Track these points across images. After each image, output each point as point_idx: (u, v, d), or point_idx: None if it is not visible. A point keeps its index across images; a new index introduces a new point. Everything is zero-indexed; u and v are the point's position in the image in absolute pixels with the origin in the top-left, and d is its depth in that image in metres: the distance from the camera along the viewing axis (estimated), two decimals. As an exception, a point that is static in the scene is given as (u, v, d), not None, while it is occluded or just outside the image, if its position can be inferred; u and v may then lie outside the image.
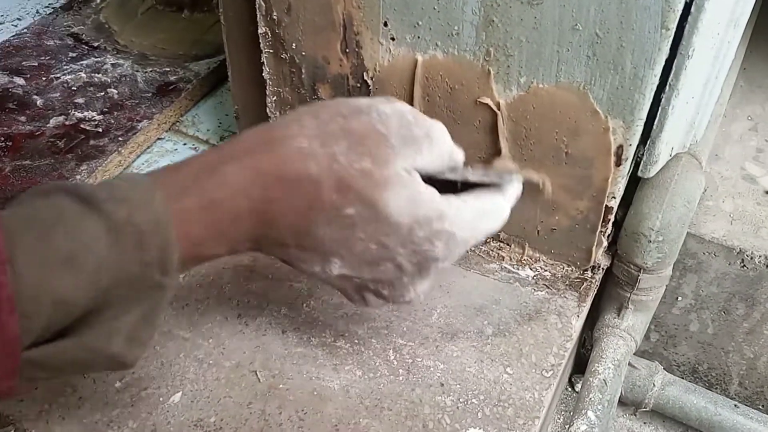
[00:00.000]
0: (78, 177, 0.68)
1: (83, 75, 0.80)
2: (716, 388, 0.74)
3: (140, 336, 0.40)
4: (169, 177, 0.41)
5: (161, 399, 0.50)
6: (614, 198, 0.55)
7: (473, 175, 0.45)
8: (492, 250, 0.61)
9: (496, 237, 0.61)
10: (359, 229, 0.40)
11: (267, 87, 0.61)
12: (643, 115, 0.50)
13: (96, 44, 0.85)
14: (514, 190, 0.47)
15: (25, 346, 0.36)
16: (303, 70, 0.58)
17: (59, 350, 0.37)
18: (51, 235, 0.36)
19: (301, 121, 0.42)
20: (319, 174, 0.40)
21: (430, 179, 0.42)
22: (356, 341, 0.54)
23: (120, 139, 0.73)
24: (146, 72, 0.81)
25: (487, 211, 0.44)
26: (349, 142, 0.40)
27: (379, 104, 0.42)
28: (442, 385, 0.51)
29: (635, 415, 0.76)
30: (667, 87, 0.49)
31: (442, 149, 0.44)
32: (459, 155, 0.45)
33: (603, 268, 0.61)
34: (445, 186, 0.43)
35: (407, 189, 0.41)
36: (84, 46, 0.85)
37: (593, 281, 0.60)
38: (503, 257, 0.61)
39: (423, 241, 0.41)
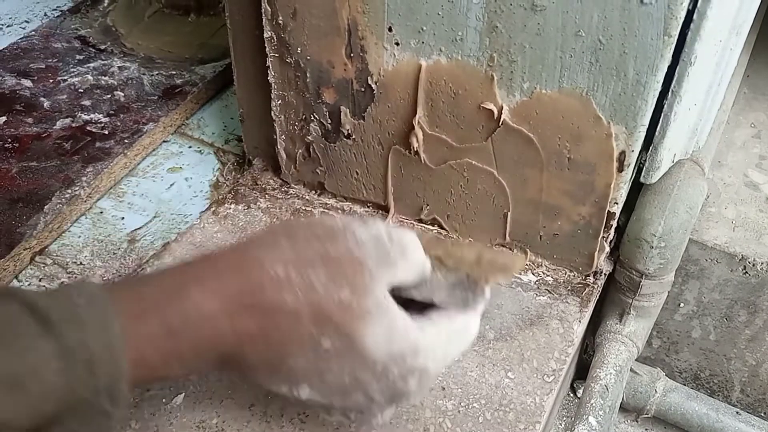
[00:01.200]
0: (84, 179, 0.69)
1: (90, 77, 0.81)
2: (718, 395, 0.74)
3: None
4: (129, 294, 0.38)
5: (164, 400, 0.50)
6: (616, 204, 0.55)
7: (439, 295, 0.44)
8: (494, 255, 0.61)
9: (500, 242, 0.61)
10: (334, 361, 0.39)
11: (272, 91, 0.61)
12: (646, 121, 0.50)
13: (103, 47, 0.86)
14: (484, 303, 0.45)
15: None
16: (308, 74, 0.59)
17: None
18: None
19: (276, 243, 0.40)
20: (296, 306, 0.38)
21: (397, 292, 0.42)
22: (358, 344, 0.54)
23: (126, 141, 0.73)
24: (152, 75, 0.82)
25: (459, 332, 0.44)
26: (327, 269, 0.39)
27: (354, 227, 0.41)
28: (444, 389, 0.51)
29: (637, 422, 0.76)
30: (670, 93, 0.50)
31: (415, 262, 0.42)
32: (428, 265, 0.43)
33: (605, 274, 0.61)
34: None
35: (384, 321, 0.39)
36: (91, 48, 0.86)
37: (595, 287, 0.60)
38: (505, 262, 0.61)
39: (397, 379, 0.40)
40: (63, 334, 0.34)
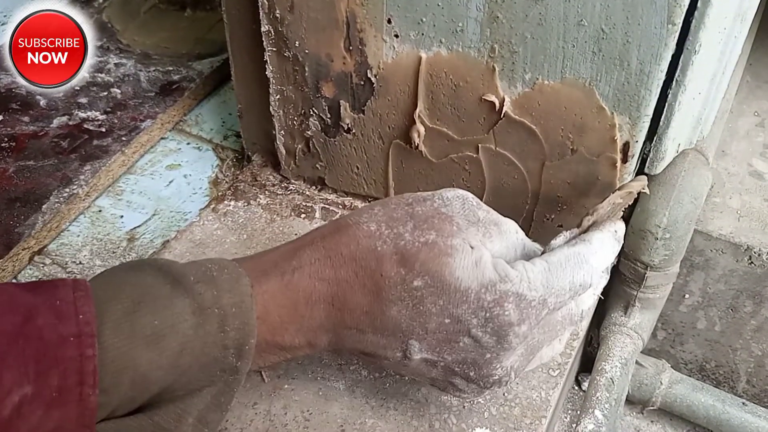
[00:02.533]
0: (81, 177, 0.68)
1: (86, 75, 0.80)
2: (724, 386, 0.74)
3: (209, 419, 0.40)
4: (252, 262, 0.43)
5: (166, 399, 0.50)
6: (621, 195, 0.54)
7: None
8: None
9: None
10: (429, 302, 0.40)
11: (270, 85, 0.61)
12: (650, 111, 0.49)
13: (99, 43, 0.85)
14: (603, 236, 0.44)
15: (99, 420, 0.37)
16: (306, 68, 0.58)
17: (130, 426, 0.38)
18: (139, 312, 0.37)
19: (371, 209, 0.43)
20: (384, 250, 0.41)
21: None
22: (361, 341, 0.54)
23: (123, 138, 0.72)
24: (149, 71, 0.81)
25: (563, 263, 0.42)
26: (414, 222, 0.41)
27: (442, 192, 0.44)
28: (448, 384, 0.51)
29: (642, 414, 0.75)
30: (674, 83, 0.49)
31: (512, 238, 0.44)
32: (527, 243, 0.44)
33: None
34: None
35: (472, 255, 0.40)
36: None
37: (600, 279, 0.59)
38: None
39: (492, 305, 0.39)
40: (198, 293, 0.38)
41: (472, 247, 0.41)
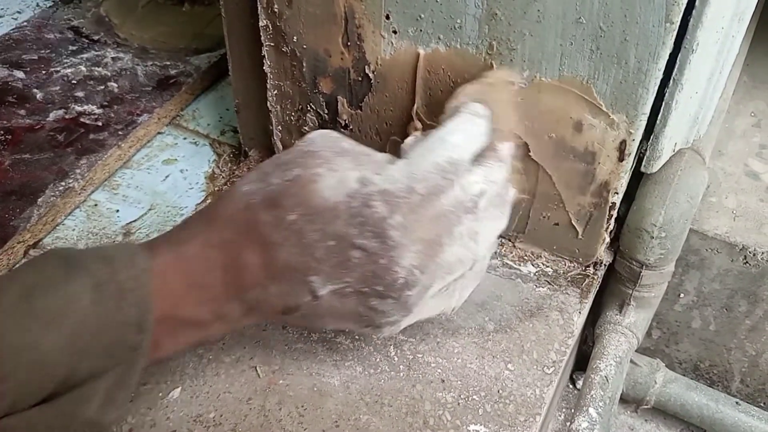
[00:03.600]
0: (77, 171, 0.68)
1: (83, 68, 0.80)
2: (718, 386, 0.74)
3: (115, 399, 0.40)
4: (148, 241, 0.43)
5: (160, 394, 0.49)
6: (617, 193, 0.54)
7: None
8: (493, 246, 0.61)
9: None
10: (308, 230, 0.40)
11: (268, 81, 0.61)
12: (647, 109, 0.49)
13: (96, 38, 0.85)
14: (458, 117, 0.45)
15: (2, 415, 0.35)
16: (304, 64, 0.58)
17: (34, 417, 0.37)
18: (33, 295, 0.37)
19: (247, 175, 0.44)
20: (256, 202, 0.42)
21: None
22: (357, 337, 0.54)
23: (120, 133, 0.72)
24: (146, 66, 0.81)
25: (422, 152, 0.43)
26: (281, 170, 0.42)
27: (307, 135, 0.45)
28: (443, 381, 0.51)
29: (637, 413, 0.76)
30: (671, 81, 0.49)
31: (384, 163, 0.43)
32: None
33: (605, 265, 0.60)
34: None
35: (336, 175, 0.41)
36: (84, 39, 0.85)
37: (595, 277, 0.59)
38: (505, 253, 0.60)
39: (362, 208, 0.40)
40: (93, 271, 0.38)
41: (336, 171, 0.41)
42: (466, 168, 0.44)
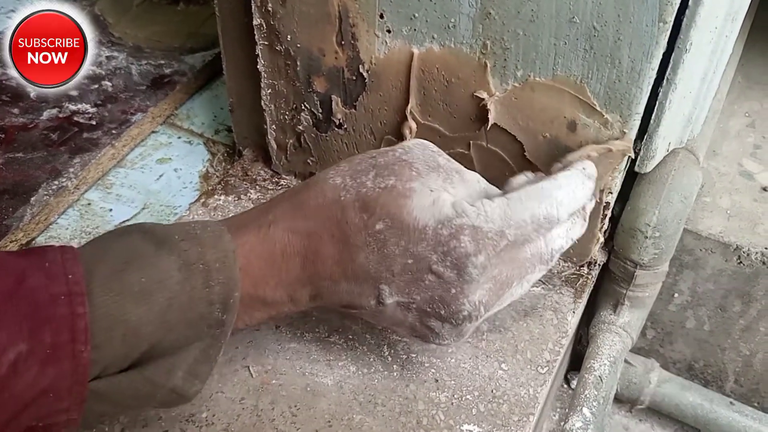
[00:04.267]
0: (71, 170, 0.68)
1: (86, 73, 0.80)
2: (712, 386, 0.74)
3: (199, 371, 0.41)
4: (232, 220, 0.45)
5: (153, 394, 0.49)
6: (611, 193, 0.54)
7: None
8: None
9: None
10: (391, 243, 0.41)
11: (262, 80, 0.60)
12: (641, 109, 0.49)
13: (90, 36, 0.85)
14: (569, 172, 0.45)
15: (92, 378, 0.37)
16: (298, 63, 0.58)
17: (122, 382, 0.39)
18: (126, 271, 0.38)
19: (338, 165, 0.45)
20: (347, 199, 0.42)
21: None
22: (350, 336, 0.53)
23: (114, 132, 0.72)
24: (141, 64, 0.81)
25: (523, 198, 0.43)
26: (376, 171, 0.43)
27: (405, 142, 0.46)
28: (437, 381, 0.51)
29: (631, 412, 0.76)
30: (665, 81, 0.49)
31: (474, 186, 0.45)
32: (497, 194, 0.45)
33: (599, 264, 0.60)
34: None
35: (430, 196, 0.42)
36: (78, 38, 0.84)
37: (589, 277, 0.59)
38: (499, 253, 0.60)
39: (449, 239, 0.41)
40: (183, 250, 0.40)
41: (431, 190, 0.42)
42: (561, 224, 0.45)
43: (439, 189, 0.43)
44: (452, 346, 0.53)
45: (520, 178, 0.47)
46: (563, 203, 0.43)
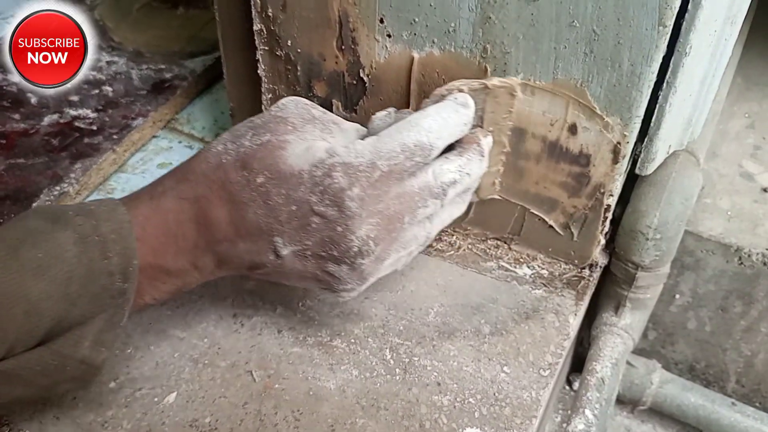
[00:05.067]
0: (72, 175, 0.68)
1: (86, 73, 0.80)
2: (714, 386, 0.74)
3: (105, 340, 0.42)
4: (127, 196, 0.46)
5: (156, 399, 0.49)
6: (612, 196, 0.54)
7: None
8: (489, 249, 0.61)
9: (499, 236, 0.61)
10: (274, 194, 0.43)
11: (262, 84, 0.61)
12: (641, 112, 0.50)
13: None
14: (440, 104, 0.47)
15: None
16: (298, 68, 0.58)
17: (31, 359, 0.40)
18: (22, 248, 0.39)
19: (221, 136, 0.47)
20: (228, 161, 0.44)
21: None
22: (352, 340, 0.54)
23: (115, 137, 0.72)
24: (141, 69, 0.81)
25: (392, 132, 0.44)
26: (253, 132, 0.45)
27: (279, 101, 0.47)
28: (439, 384, 0.51)
29: (633, 414, 0.76)
30: (665, 84, 0.49)
31: (353, 134, 0.48)
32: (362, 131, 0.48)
33: (601, 266, 0.60)
34: None
35: (304, 144, 0.44)
36: (78, 43, 0.85)
37: (591, 279, 0.59)
38: (500, 255, 0.61)
39: (323, 178, 0.43)
40: (77, 224, 0.41)
41: (306, 141, 0.45)
42: (441, 154, 0.46)
43: (316, 139, 0.45)
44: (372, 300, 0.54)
45: (383, 113, 0.49)
46: (432, 130, 0.45)
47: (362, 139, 0.45)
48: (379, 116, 0.49)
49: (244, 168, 0.44)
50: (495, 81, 0.50)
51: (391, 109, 0.50)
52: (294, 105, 0.47)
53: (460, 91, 0.49)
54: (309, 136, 0.45)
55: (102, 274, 0.40)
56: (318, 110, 0.47)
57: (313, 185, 0.43)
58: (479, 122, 0.51)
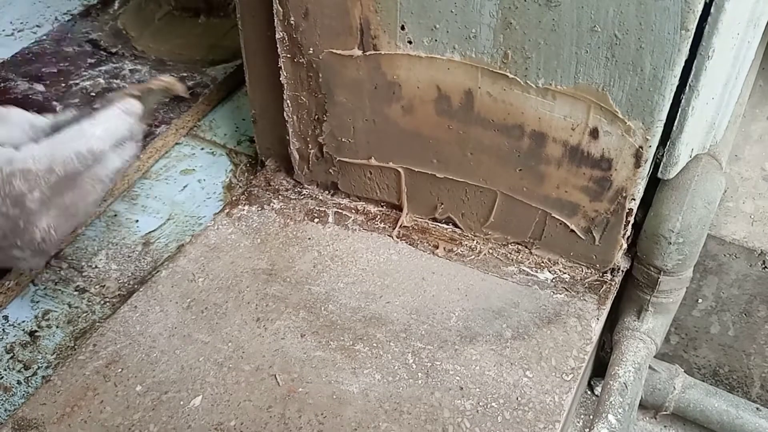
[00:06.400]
0: (97, 182, 0.69)
1: (102, 81, 0.81)
2: (737, 391, 0.74)
3: None
4: None
5: (182, 403, 0.50)
6: (634, 200, 0.54)
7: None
8: (510, 253, 0.61)
9: (519, 239, 0.61)
10: None
11: (284, 91, 0.61)
12: (663, 116, 0.49)
13: (114, 50, 0.86)
14: (108, 111, 0.53)
15: None
16: (320, 74, 0.58)
17: None
18: None
19: None
20: None
21: None
22: (375, 345, 0.54)
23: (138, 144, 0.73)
24: (164, 77, 0.82)
25: (65, 140, 0.50)
26: None
27: None
28: (462, 388, 0.51)
29: (656, 419, 0.75)
30: (687, 88, 0.49)
31: (16, 120, 0.51)
32: (40, 120, 0.53)
33: (623, 271, 0.60)
34: None
35: None
36: (102, 52, 0.86)
37: (613, 284, 0.59)
38: (521, 260, 0.61)
39: (4, 185, 0.47)
40: None
41: None
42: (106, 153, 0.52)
43: None
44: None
45: (66, 114, 0.54)
46: (102, 138, 0.52)
47: (32, 130, 0.51)
48: (65, 117, 0.54)
49: None
50: (155, 83, 0.57)
51: (73, 111, 0.55)
52: None
53: (133, 96, 0.55)
54: None
55: None
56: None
57: None
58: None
